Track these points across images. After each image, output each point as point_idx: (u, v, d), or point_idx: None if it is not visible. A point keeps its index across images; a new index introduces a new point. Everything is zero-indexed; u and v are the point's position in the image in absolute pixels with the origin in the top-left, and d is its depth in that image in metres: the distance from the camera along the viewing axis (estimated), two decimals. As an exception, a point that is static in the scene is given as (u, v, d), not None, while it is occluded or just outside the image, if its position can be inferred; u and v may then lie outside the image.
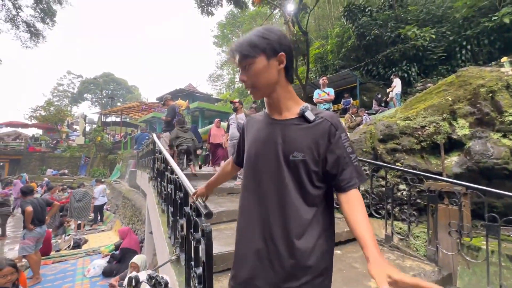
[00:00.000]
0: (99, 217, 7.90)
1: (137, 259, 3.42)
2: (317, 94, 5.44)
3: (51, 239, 5.64)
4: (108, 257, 4.61)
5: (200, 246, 1.25)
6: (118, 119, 24.20)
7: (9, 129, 24.98)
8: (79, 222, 7.18)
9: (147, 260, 3.61)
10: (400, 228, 2.69)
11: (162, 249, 2.51)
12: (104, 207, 7.96)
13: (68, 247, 5.66)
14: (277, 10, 14.22)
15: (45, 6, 26.85)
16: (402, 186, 2.83)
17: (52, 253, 5.43)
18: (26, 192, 4.29)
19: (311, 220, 0.76)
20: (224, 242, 2.18)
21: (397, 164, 2.95)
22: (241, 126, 4.23)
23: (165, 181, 2.55)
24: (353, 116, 6.69)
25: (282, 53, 0.76)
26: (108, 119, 24.99)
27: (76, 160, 20.72)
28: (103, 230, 7.11)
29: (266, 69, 0.76)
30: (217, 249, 1.83)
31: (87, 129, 25.17)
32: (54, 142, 23.06)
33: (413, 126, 3.02)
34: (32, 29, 28.12)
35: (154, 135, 3.74)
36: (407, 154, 3.01)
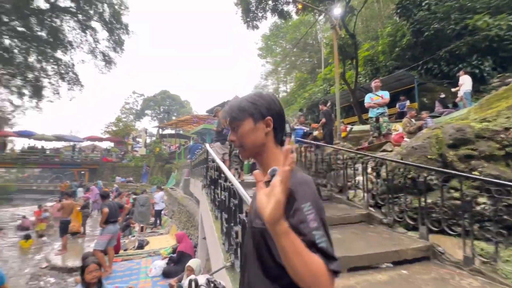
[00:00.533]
0: (158, 221, 8.67)
1: (192, 263, 3.61)
2: (368, 99, 5.12)
3: (120, 239, 6.38)
4: (167, 259, 4.98)
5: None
6: (173, 132, 26.62)
7: (88, 142, 29.48)
8: (142, 225, 7.98)
9: (201, 265, 3.79)
10: (482, 249, 2.28)
11: (216, 255, 2.60)
12: (162, 212, 8.72)
13: (133, 247, 6.32)
14: (321, 16, 14.02)
15: (116, 37, 31.48)
16: (482, 199, 2.42)
17: (121, 251, 6.12)
18: (104, 196, 4.99)
19: None
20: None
21: (473, 173, 2.54)
22: None
23: (219, 188, 2.66)
24: (412, 119, 6.08)
25: (269, 117, 0.80)
26: (165, 132, 27.52)
27: (139, 169, 23.30)
28: (161, 233, 7.75)
29: (252, 131, 0.80)
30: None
31: (148, 141, 28.24)
32: (122, 153, 26.39)
33: (494, 128, 2.58)
34: (106, 57, 33.17)
35: (207, 145, 3.98)
36: (487, 161, 2.58)
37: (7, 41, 27.57)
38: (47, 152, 22.25)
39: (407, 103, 8.59)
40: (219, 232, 2.52)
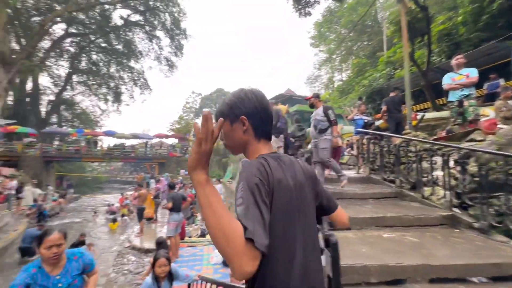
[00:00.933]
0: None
1: None
2: (448, 79, 4.31)
3: (185, 226, 6.99)
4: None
5: (323, 257, 1.11)
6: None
7: (157, 139, 33.29)
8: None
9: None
10: None
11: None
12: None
13: (197, 235, 6.84)
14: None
15: (177, 42, 34.28)
16: None
17: (186, 238, 6.70)
18: (172, 187, 5.49)
19: None
20: (351, 252, 1.97)
21: None
22: (317, 122, 3.89)
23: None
24: (509, 101, 4.90)
25: (242, 116, 0.82)
26: (221, 128, 29.03)
27: (199, 163, 25.27)
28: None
29: (230, 132, 0.85)
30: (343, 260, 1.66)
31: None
32: (185, 148, 28.99)
33: None
34: (169, 62, 36.54)
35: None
36: None
37: (94, 56, 33.05)
38: (126, 148, 25.91)
39: (501, 82, 7.01)
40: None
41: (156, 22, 32.41)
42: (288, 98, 18.08)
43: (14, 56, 23.06)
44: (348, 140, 8.92)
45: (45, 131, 23.31)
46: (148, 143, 28.38)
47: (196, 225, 8.05)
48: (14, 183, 12.17)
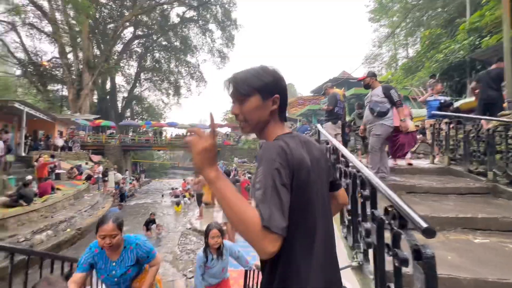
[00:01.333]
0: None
1: None
2: None
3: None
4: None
5: (416, 275, 0.87)
6: (279, 115, 27.71)
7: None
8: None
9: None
10: None
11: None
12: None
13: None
14: None
15: (228, 33, 35.04)
16: None
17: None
18: (227, 174, 5.67)
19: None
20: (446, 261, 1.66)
21: None
22: (374, 105, 3.24)
23: (337, 173, 2.34)
24: None
25: (277, 95, 0.81)
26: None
27: (252, 151, 25.91)
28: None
29: (259, 108, 0.81)
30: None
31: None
32: (238, 137, 30.02)
33: None
34: (221, 54, 37.75)
35: (319, 125, 3.66)
36: None
37: (157, 55, 36.36)
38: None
39: None
40: (338, 223, 2.23)
41: (208, 16, 33.68)
42: (343, 81, 16.78)
43: (95, 61, 27.04)
44: (418, 125, 7.79)
45: (121, 124, 26.99)
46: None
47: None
48: (100, 168, 14.50)
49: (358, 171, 1.59)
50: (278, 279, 0.71)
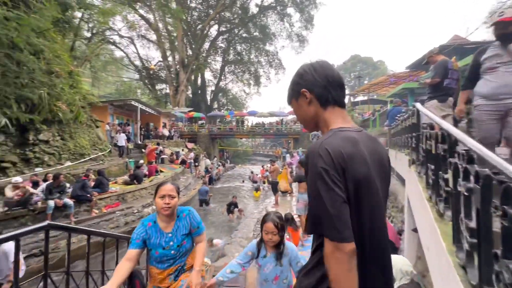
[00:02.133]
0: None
1: (400, 262, 2.35)
2: None
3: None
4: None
5: None
6: (365, 98, 24.70)
7: (291, 116, 34.90)
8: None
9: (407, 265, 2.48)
10: None
11: (441, 270, 1.67)
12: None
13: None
14: None
15: (306, 14, 33.26)
16: None
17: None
18: (304, 163, 5.23)
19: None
20: None
21: None
22: None
23: (446, 170, 1.62)
24: None
25: (302, 89, 0.83)
26: (356, 99, 26.21)
27: (333, 138, 24.33)
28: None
29: (298, 108, 0.89)
30: None
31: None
32: (317, 124, 28.73)
33: None
34: (300, 37, 36.37)
35: (418, 105, 2.76)
36: None
37: (238, 47, 38.30)
38: (266, 126, 28.97)
39: None
40: (449, 242, 1.54)
41: (286, 0, 32.77)
42: (455, 49, 13.17)
43: (188, 60, 30.77)
44: None
45: (209, 115, 30.10)
46: (283, 120, 30.36)
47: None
48: (192, 154, 16.56)
49: (498, 171, 0.94)
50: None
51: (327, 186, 0.64)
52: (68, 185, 7.04)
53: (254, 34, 36.08)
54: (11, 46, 7.05)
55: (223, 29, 36.04)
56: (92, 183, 7.59)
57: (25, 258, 5.11)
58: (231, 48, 37.73)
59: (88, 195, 6.89)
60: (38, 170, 8.25)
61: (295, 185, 11.34)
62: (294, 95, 0.87)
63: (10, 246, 3.45)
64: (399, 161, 4.47)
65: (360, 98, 26.52)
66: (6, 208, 5.58)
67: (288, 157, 19.96)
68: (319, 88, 0.80)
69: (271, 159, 9.09)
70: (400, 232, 4.20)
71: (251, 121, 33.28)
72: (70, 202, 6.39)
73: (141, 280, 2.15)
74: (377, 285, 0.71)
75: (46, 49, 8.43)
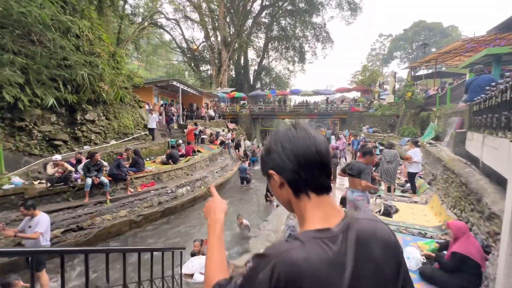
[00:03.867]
0: (410, 185, 6.87)
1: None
2: None
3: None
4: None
5: None
6: (429, 71, 20.98)
7: (338, 94, 32.07)
8: (389, 185, 6.70)
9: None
10: None
11: None
12: (418, 174, 6.71)
13: (379, 211, 5.30)
14: None
15: (360, -24, 28.94)
16: None
17: (365, 211, 5.40)
18: (366, 153, 4.08)
19: None
20: None
21: None
22: None
23: None
24: None
25: (269, 171, 0.66)
26: (419, 73, 22.51)
27: (386, 119, 21.45)
28: (415, 201, 5.98)
29: (273, 188, 0.69)
30: None
31: (397, 86, 24.84)
32: (368, 102, 25.70)
33: None
34: (352, 5, 32.39)
35: None
36: None
37: (283, 22, 35.95)
38: (309, 105, 27.17)
39: None
40: None
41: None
42: None
43: (230, 38, 30.08)
44: None
45: (251, 94, 29.45)
46: (329, 99, 28.05)
47: (379, 196, 6.42)
48: (229, 135, 16.31)
49: None
50: None
51: None
52: (106, 163, 7.25)
53: (300, 5, 33.23)
54: (43, 25, 7.21)
55: (267, 3, 34.00)
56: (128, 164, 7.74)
57: (62, 232, 5.34)
58: (275, 23, 35.64)
59: (124, 174, 7.00)
60: (87, 148, 8.82)
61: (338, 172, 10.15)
62: (264, 173, 0.70)
63: (43, 220, 3.52)
64: (491, 149, 3.12)
65: (422, 72, 22.69)
66: (49, 184, 5.91)
67: (333, 139, 18.34)
68: (288, 172, 0.63)
69: None
70: (486, 249, 2.98)
71: (294, 100, 31.68)
72: (106, 180, 6.54)
73: None
74: None
75: (83, 28, 8.55)
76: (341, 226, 0.58)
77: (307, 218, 0.62)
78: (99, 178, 6.44)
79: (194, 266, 2.60)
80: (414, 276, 3.11)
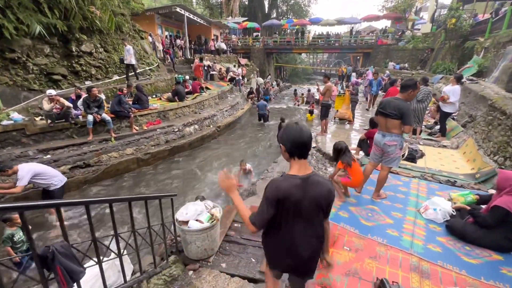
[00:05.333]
0: (441, 127, 6.09)
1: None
2: None
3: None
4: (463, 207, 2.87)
5: None
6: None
7: (366, 24, 28.03)
8: (415, 127, 5.96)
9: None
10: None
11: None
12: (452, 114, 5.83)
13: (402, 156, 4.75)
14: None
15: None
16: None
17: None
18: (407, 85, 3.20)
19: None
20: None
21: None
22: None
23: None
24: None
25: (280, 144, 1.41)
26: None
27: (418, 53, 18.87)
28: (444, 146, 5.32)
29: (281, 152, 1.43)
30: None
31: (438, 14, 21.02)
32: (399, 33, 22.39)
33: None
34: None
35: None
36: None
37: None
38: (331, 37, 24.15)
39: None
40: None
41: None
42: None
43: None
44: None
45: (265, 25, 26.31)
46: (354, 29, 24.65)
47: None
48: (240, 70, 15.08)
49: None
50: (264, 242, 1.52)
51: (265, 205, 1.32)
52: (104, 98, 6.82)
53: None
54: None
55: None
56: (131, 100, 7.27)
57: (70, 169, 5.31)
58: None
59: (126, 111, 6.62)
60: (88, 83, 8.33)
61: (360, 113, 9.27)
62: (279, 142, 1.62)
63: (22, 172, 3.25)
64: None
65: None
66: (49, 121, 5.66)
67: (354, 76, 16.69)
68: (287, 147, 1.35)
69: (325, 74, 7.01)
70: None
71: (313, 31, 28.29)
72: (107, 117, 6.22)
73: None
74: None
75: None
76: (305, 175, 1.33)
77: (291, 168, 1.38)
78: (100, 115, 6.11)
79: (189, 213, 2.30)
80: (439, 230, 2.74)
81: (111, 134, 6.31)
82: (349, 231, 2.73)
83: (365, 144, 4.66)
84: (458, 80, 5.34)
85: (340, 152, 3.34)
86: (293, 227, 1.35)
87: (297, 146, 1.30)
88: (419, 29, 22.06)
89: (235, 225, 3.10)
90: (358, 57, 29.07)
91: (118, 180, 5.81)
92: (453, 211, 2.84)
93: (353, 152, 5.06)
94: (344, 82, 18.40)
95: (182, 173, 6.41)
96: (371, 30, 26.63)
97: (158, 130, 7.29)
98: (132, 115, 6.75)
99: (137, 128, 6.99)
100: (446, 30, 14.27)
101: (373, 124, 4.55)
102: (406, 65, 18.76)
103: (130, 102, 7.29)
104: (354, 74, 18.79)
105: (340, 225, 2.82)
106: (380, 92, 10.29)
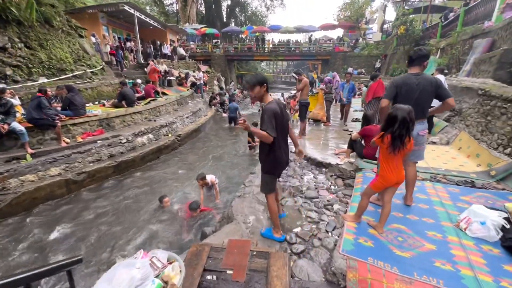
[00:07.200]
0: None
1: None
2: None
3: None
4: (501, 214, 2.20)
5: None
6: (421, 5, 18.91)
7: (322, 33, 29.17)
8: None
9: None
10: None
11: None
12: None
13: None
14: None
15: None
16: None
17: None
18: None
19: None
20: None
21: None
22: None
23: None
24: None
25: (264, 84, 2.23)
26: (417, 5, 20.37)
27: (372, 59, 19.90)
28: (434, 142, 4.91)
29: (259, 91, 2.21)
30: None
31: (386, 25, 22.68)
32: (353, 41, 23.59)
33: None
34: None
35: None
36: None
37: None
38: (291, 45, 24.41)
39: None
40: None
41: None
42: None
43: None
44: None
45: (225, 31, 25.64)
46: (312, 37, 25.38)
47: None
48: (201, 74, 13.93)
49: None
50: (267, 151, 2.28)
51: (270, 119, 2.13)
52: (17, 102, 5.13)
53: None
54: None
55: None
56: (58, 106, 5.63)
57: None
58: None
59: (50, 118, 5.00)
60: (1, 86, 6.39)
61: (333, 114, 8.69)
62: (260, 84, 2.21)
63: None
64: None
65: (419, 4, 20.52)
66: None
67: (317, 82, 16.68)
68: (268, 86, 2.26)
69: (297, 71, 6.32)
70: None
71: (274, 39, 28.47)
72: (19, 127, 4.57)
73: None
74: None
75: None
76: (280, 102, 2.38)
77: (266, 99, 2.29)
78: (8, 124, 4.45)
79: None
80: (497, 252, 1.98)
81: (27, 150, 4.64)
82: (385, 271, 1.80)
83: (358, 144, 3.92)
84: (441, 71, 5.03)
85: (399, 120, 1.93)
86: (280, 140, 2.26)
87: (276, 116, 2.18)
88: (371, 38, 23.53)
89: (208, 277, 1.97)
90: (316, 65, 30.04)
91: (33, 213, 4.16)
92: (505, 223, 2.11)
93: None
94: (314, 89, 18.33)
95: (131, 195, 4.98)
96: (328, 39, 27.74)
97: (99, 142, 5.73)
98: (59, 124, 5.14)
99: (67, 140, 5.36)
100: (397, 37, 15.11)
101: (367, 120, 3.84)
102: (363, 70, 19.63)
103: (60, 108, 5.65)
104: (317, 80, 18.93)
105: (369, 262, 1.89)
106: (352, 99, 8.50)
